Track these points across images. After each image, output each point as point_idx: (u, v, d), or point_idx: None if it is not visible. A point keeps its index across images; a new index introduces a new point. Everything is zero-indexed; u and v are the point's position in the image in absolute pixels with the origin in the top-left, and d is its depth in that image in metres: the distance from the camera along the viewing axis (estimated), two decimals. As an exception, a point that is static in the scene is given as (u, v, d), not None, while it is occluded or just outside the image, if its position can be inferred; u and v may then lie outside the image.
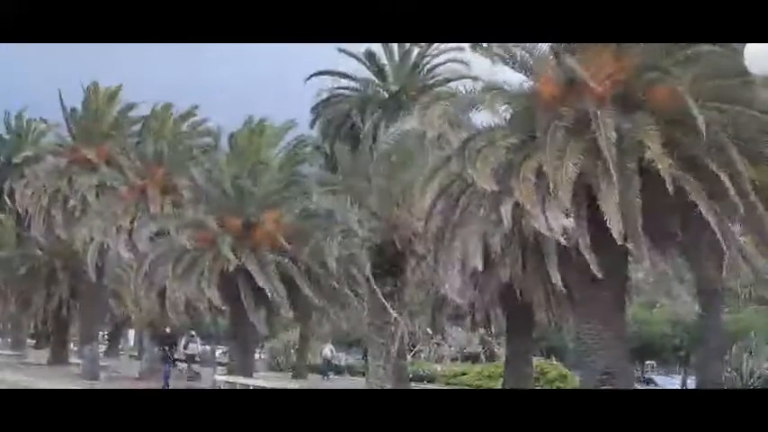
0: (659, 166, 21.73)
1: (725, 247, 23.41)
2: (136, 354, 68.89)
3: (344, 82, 56.66)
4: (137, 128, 52.75)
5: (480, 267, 26.43)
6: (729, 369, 49.23)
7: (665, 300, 30.09)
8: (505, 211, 23.65)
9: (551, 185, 22.75)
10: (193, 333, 53.92)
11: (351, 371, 59.17)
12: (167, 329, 48.91)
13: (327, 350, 60.69)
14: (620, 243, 22.53)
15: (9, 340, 78.35)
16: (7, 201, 64.65)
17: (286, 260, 37.17)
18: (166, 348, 49.18)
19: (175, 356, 51.64)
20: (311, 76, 55.74)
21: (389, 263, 34.97)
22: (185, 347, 53.82)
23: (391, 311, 34.73)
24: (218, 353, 59.08)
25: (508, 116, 25.84)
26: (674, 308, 49.28)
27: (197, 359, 55.02)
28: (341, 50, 55.07)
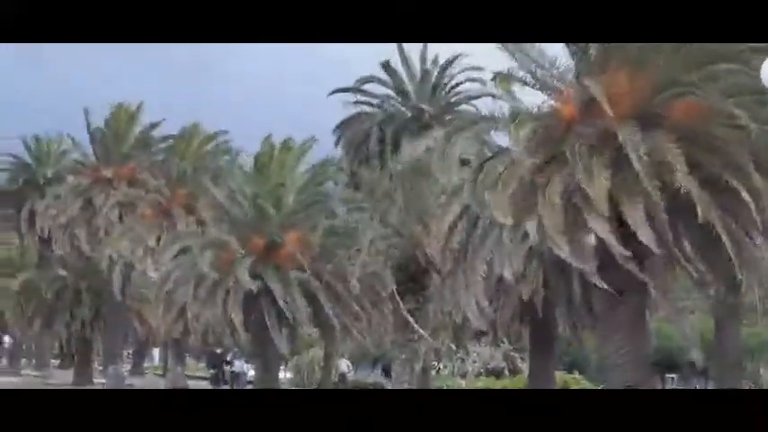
0: (683, 185, 22.03)
1: (739, 265, 23.69)
2: (160, 372, 69.10)
3: (365, 99, 56.97)
4: (161, 146, 53.27)
5: (510, 277, 26.80)
6: (747, 382, 49.25)
7: (684, 315, 30.28)
8: (532, 229, 23.96)
9: (591, 200, 23.04)
10: (236, 349, 53.97)
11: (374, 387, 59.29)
12: (218, 349, 49.23)
13: (344, 365, 60.76)
14: (656, 251, 22.79)
15: (33, 361, 78.78)
16: (23, 224, 65.03)
17: (309, 278, 37.45)
18: (216, 368, 49.49)
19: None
20: (332, 92, 55.99)
21: (412, 280, 35.30)
22: (230, 365, 53.98)
23: (416, 327, 35.06)
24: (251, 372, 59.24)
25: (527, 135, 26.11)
26: (692, 322, 49.33)
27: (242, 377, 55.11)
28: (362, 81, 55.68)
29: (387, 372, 51.95)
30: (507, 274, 27.01)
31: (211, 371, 60.62)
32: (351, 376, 61.45)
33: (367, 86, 57.01)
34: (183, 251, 40.00)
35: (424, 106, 53.99)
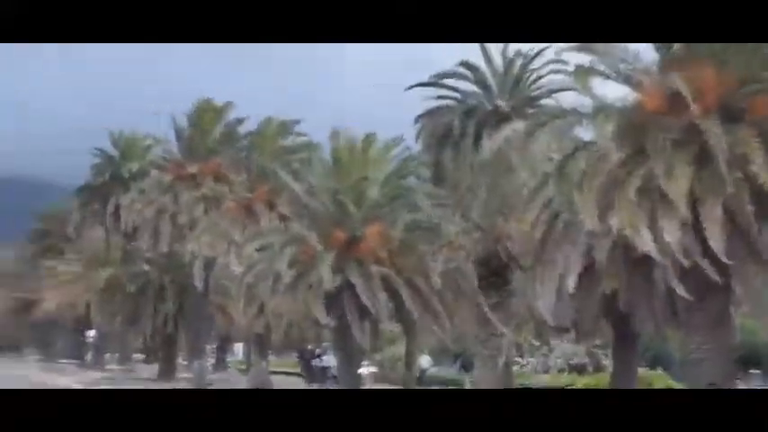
0: (765, 179, 21.92)
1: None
2: (244, 368, 69.53)
3: (447, 92, 56.65)
4: (244, 142, 53.60)
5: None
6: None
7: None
8: (614, 223, 23.86)
9: (668, 197, 22.93)
10: (326, 343, 54.18)
11: (456, 383, 59.19)
12: (309, 345, 49.44)
13: (425, 360, 60.74)
14: (723, 254, 22.66)
15: (117, 355, 79.79)
16: (108, 219, 65.96)
17: (391, 273, 37.39)
18: (306, 362, 49.66)
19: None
20: (411, 86, 55.78)
21: (495, 275, 35.18)
22: (320, 360, 54.28)
23: (498, 323, 34.96)
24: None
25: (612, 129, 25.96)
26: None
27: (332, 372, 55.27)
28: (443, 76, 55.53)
29: (466, 367, 51.82)
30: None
31: (301, 365, 60.94)
32: (431, 372, 61.38)
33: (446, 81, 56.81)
34: (265, 246, 40.15)
35: (504, 101, 53.75)
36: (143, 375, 64.76)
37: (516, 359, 50.43)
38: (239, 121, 53.80)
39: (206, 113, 53.73)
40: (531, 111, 49.19)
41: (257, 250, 40.55)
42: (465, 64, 55.26)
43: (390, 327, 39.80)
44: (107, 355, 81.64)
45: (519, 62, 55.11)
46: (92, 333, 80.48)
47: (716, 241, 22.48)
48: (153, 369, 65.78)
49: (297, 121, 53.24)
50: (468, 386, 43.97)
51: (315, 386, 51.22)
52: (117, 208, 61.80)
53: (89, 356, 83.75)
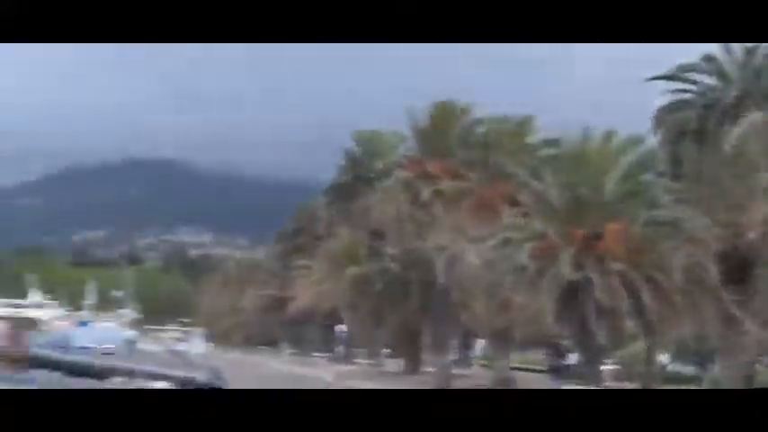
0: None
1: None
2: (486, 363, 69.69)
3: (684, 86, 55.57)
4: (481, 140, 53.76)
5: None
6: None
7: None
8: None
9: None
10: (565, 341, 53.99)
11: (695, 381, 58.09)
12: (558, 341, 49.40)
13: (665, 357, 59.74)
14: None
15: (366, 350, 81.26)
16: (354, 217, 67.11)
17: (630, 270, 36.99)
18: (555, 359, 49.62)
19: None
20: (651, 78, 54.96)
21: (737, 270, 34.33)
22: (563, 357, 54.11)
23: (742, 319, 34.14)
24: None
25: None
26: None
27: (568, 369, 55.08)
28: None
29: (704, 365, 50.64)
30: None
31: (548, 361, 60.73)
32: (671, 369, 60.40)
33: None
34: (505, 243, 40.33)
35: (744, 93, 52.24)
36: (389, 370, 65.81)
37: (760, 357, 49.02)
38: (477, 120, 54.02)
39: (445, 113, 54.24)
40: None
41: (496, 246, 40.76)
42: (706, 57, 54.04)
43: (630, 323, 39.31)
44: (356, 350, 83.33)
45: (759, 53, 53.53)
46: (342, 328, 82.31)
47: None
48: (400, 364, 66.62)
49: (534, 120, 53.06)
50: (707, 384, 43.03)
51: (557, 383, 50.89)
52: (363, 206, 62.80)
53: (339, 350, 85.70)
